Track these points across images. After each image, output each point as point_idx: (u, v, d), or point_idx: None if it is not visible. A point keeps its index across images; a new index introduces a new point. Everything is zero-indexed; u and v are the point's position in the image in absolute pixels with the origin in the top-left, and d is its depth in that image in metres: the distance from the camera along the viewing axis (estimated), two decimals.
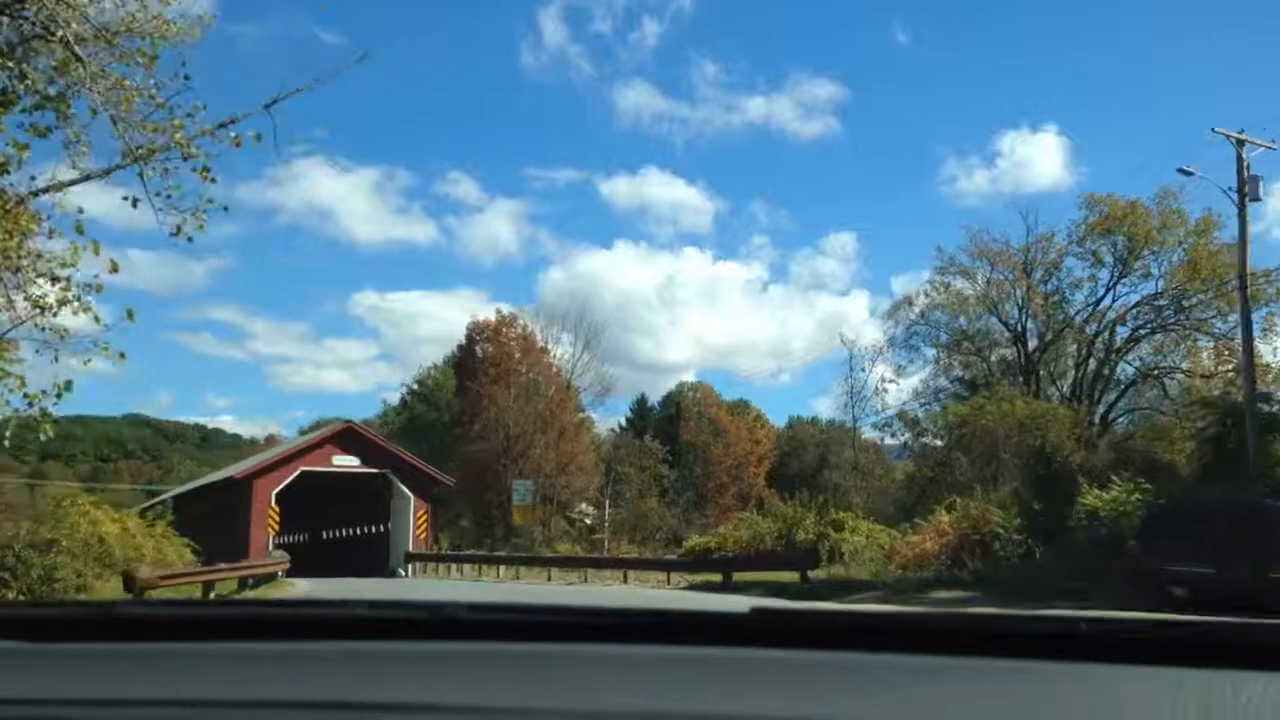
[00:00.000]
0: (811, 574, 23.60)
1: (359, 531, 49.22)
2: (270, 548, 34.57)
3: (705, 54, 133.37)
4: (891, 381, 44.10)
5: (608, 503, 54.57)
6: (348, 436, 41.95)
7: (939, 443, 35.23)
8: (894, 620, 1.31)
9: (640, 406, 70.59)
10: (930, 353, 42.39)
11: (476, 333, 56.83)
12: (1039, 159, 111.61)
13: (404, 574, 38.40)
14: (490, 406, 55.02)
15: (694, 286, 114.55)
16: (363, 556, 44.71)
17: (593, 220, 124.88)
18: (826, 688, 1.09)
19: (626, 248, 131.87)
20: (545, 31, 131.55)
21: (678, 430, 64.10)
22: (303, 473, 40.10)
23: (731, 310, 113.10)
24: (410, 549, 40.17)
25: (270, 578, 26.09)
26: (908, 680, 1.12)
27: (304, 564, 45.81)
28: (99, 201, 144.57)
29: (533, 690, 1.08)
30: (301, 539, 56.97)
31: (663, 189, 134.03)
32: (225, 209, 14.48)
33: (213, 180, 13.53)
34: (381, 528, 45.09)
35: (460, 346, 57.54)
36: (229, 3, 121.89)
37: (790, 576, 24.07)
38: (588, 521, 57.93)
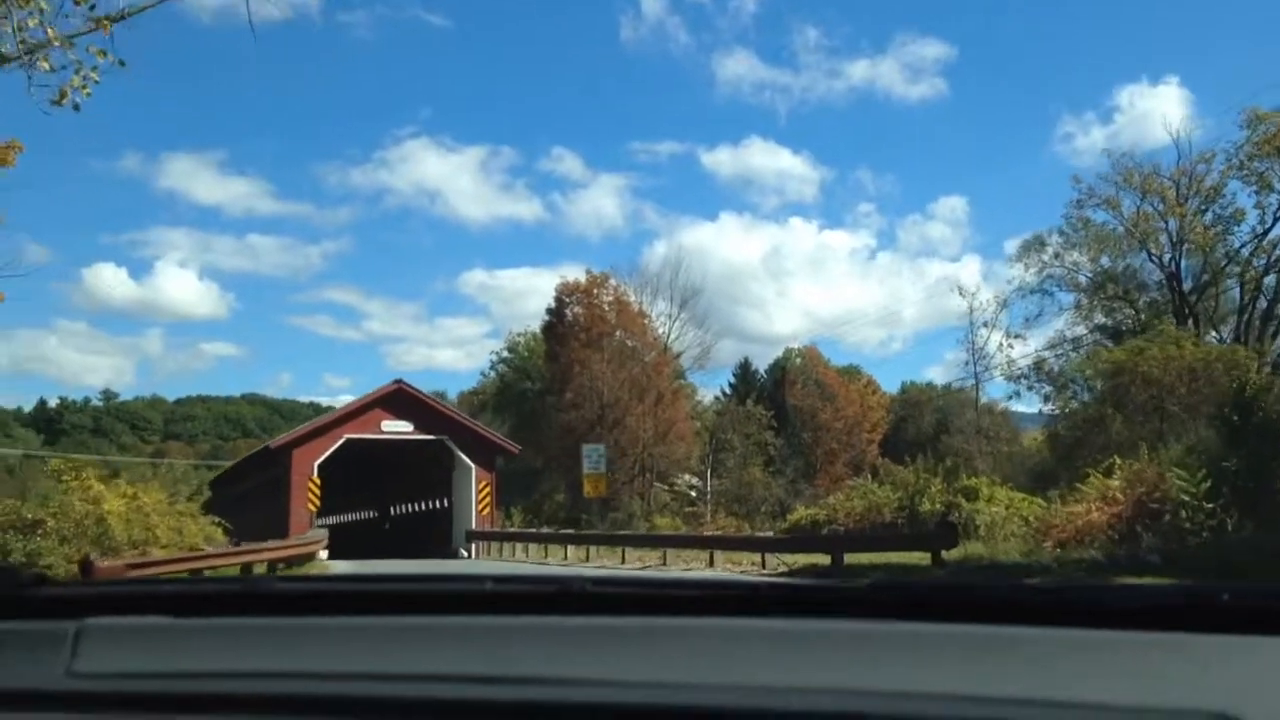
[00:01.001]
0: (946, 554, 18.70)
1: (418, 507, 45.39)
2: (312, 525, 30.95)
3: (806, 19, 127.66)
4: (1017, 337, 38.79)
5: (709, 473, 50.23)
6: (398, 399, 36.64)
7: (1084, 397, 29.80)
8: (1035, 593, 1.29)
9: (744, 372, 65.88)
10: (1066, 298, 36.86)
11: (566, 294, 52.83)
12: (1160, 113, 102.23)
13: (465, 554, 33.97)
14: (582, 372, 51.13)
15: (800, 257, 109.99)
16: (423, 535, 41.07)
17: (696, 192, 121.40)
18: (947, 662, 1.05)
19: (731, 219, 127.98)
20: (644, 4, 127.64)
21: (784, 397, 59.30)
22: (348, 441, 35.42)
23: (839, 280, 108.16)
24: (473, 526, 35.48)
25: (304, 560, 22.60)
26: (1050, 654, 1.07)
27: (358, 545, 40.45)
28: (218, 191, 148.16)
29: (660, 663, 1.07)
30: (366, 516, 52.82)
31: (766, 158, 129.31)
32: (122, 64, 11.15)
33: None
34: (443, 502, 40.62)
35: (550, 310, 53.62)
36: None
37: (917, 557, 19.36)
38: (691, 493, 53.79)
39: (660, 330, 55.25)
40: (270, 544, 22.33)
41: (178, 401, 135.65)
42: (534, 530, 34.16)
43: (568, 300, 52.95)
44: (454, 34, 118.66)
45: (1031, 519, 23.02)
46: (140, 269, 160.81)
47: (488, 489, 36.69)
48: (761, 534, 25.60)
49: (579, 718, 1.02)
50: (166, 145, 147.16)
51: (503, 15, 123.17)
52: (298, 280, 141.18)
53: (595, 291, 52.64)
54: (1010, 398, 36.60)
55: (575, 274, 54.82)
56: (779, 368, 63.81)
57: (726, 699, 1.00)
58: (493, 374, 60.44)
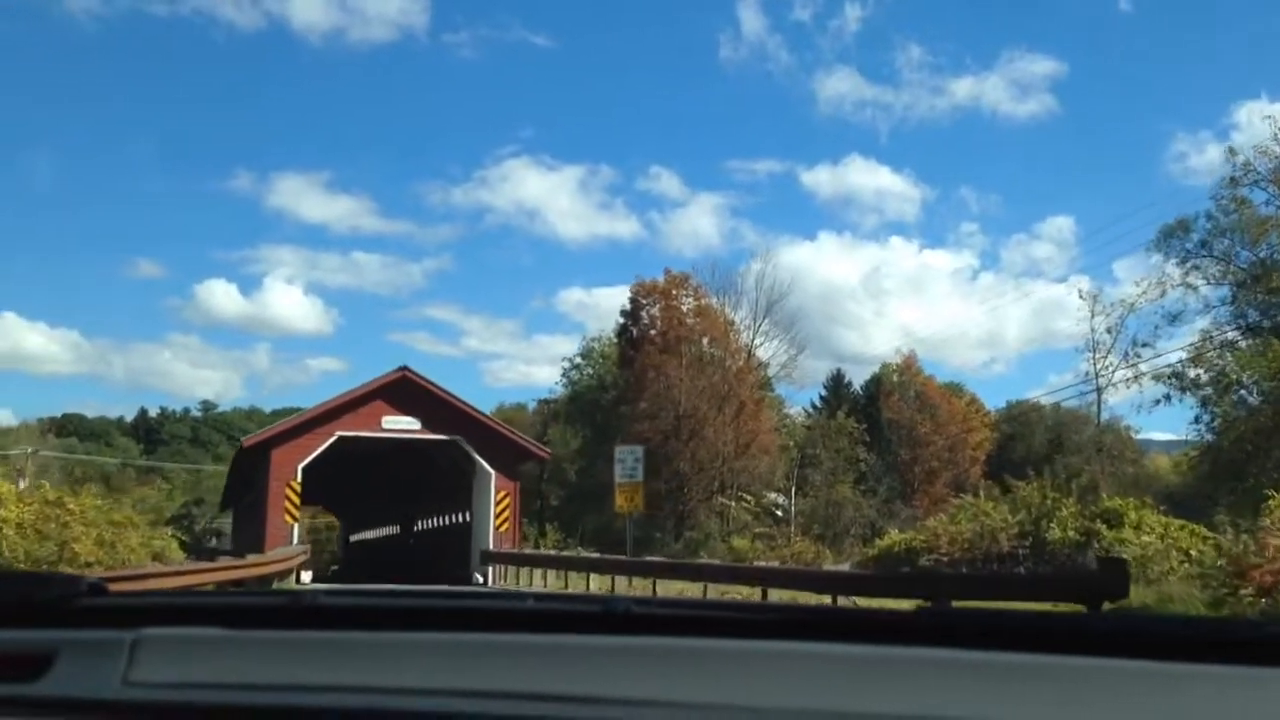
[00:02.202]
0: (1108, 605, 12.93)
1: (442, 521, 39.56)
2: (294, 539, 26.33)
3: (910, 36, 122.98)
4: (1145, 345, 32.81)
5: (794, 489, 45.00)
6: (402, 390, 29.79)
7: (1253, 401, 23.90)
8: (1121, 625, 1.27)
9: (836, 384, 60.39)
10: (1216, 293, 30.87)
11: (643, 296, 48.24)
12: None
13: (480, 580, 27.52)
14: (658, 379, 46.47)
15: (900, 276, 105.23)
16: (447, 554, 35.38)
17: (795, 211, 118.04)
18: (1018, 690, 1.04)
19: (830, 238, 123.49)
20: (744, 23, 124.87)
21: (879, 411, 53.73)
22: (340, 439, 29.13)
23: (940, 300, 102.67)
24: (490, 546, 28.65)
25: (267, 581, 18.31)
26: (1122, 686, 1.05)
27: (379, 565, 37.39)
28: (324, 209, 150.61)
29: (702, 685, 1.06)
30: (391, 531, 48.41)
31: (867, 177, 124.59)
32: None
33: None
34: (463, 516, 34.24)
35: (624, 312, 49.07)
36: (442, 14, 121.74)
37: (1051, 607, 13.85)
38: (776, 511, 48.64)
39: (744, 336, 50.28)
40: (216, 563, 18.03)
41: (274, 413, 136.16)
42: (550, 554, 25.88)
43: (644, 302, 48.42)
44: (556, 54, 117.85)
45: (1194, 552, 17.59)
46: (249, 285, 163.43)
47: (507, 501, 30.02)
48: (837, 567, 19.26)
49: None
50: (276, 165, 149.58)
51: (604, 35, 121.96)
52: (399, 297, 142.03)
53: (674, 293, 48.01)
54: (1157, 403, 30.30)
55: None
56: (874, 381, 58.21)
57: None
58: (565, 382, 56.05)
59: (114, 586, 1.53)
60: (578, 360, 56.22)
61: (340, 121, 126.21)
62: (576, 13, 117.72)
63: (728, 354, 48.11)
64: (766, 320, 50.06)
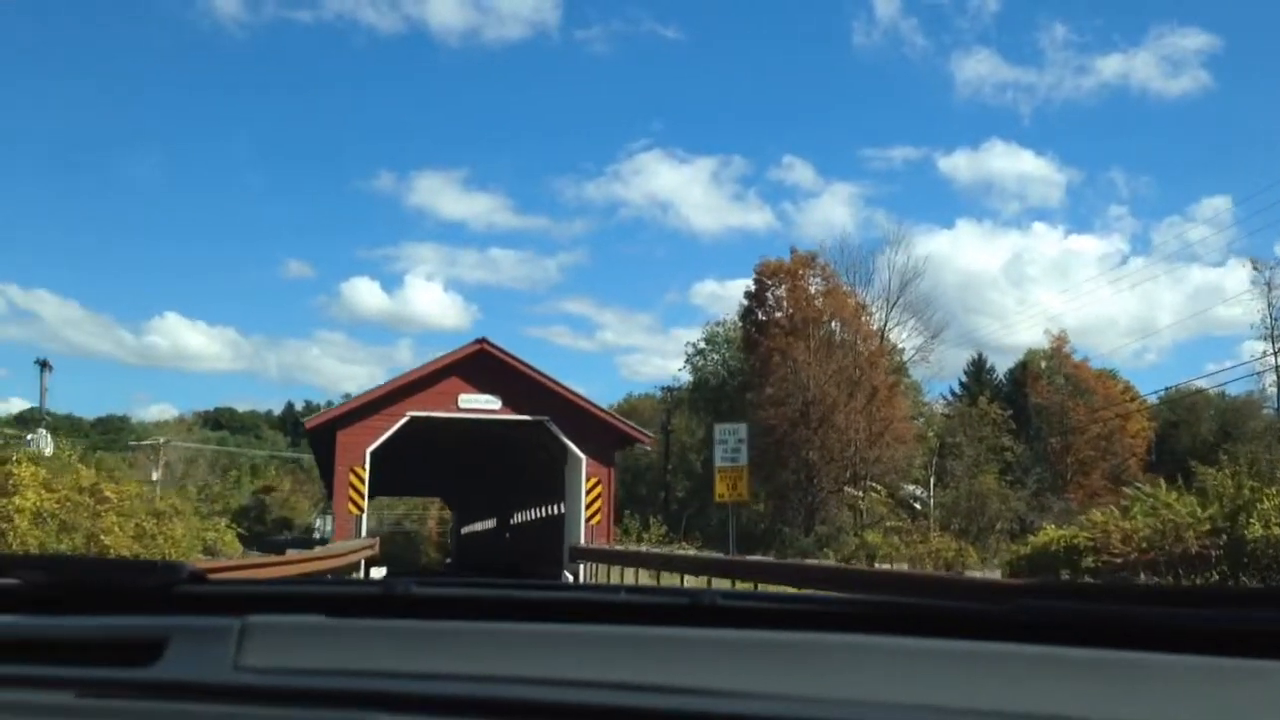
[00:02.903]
0: None
1: (538, 514, 36.50)
2: (363, 531, 23.68)
3: (1054, 15, 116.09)
4: None
5: (932, 480, 41.48)
6: (480, 365, 26.07)
7: None
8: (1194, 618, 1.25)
9: (977, 370, 56.37)
10: None
11: (767, 276, 45.35)
12: None
13: (570, 580, 24.10)
14: (784, 363, 43.55)
15: (1044, 263, 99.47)
16: (533, 551, 32.98)
17: (932, 199, 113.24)
18: (1098, 688, 1.04)
19: (969, 226, 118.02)
20: (877, 7, 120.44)
21: (1026, 397, 49.55)
22: (412, 421, 25.84)
23: (1086, 287, 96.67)
24: (581, 541, 25.14)
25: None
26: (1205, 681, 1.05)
27: (478, 560, 35.79)
28: (462, 207, 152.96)
29: (788, 677, 1.08)
30: (488, 527, 46.22)
31: (1008, 161, 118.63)
32: None
33: None
34: (555, 508, 31.16)
35: (748, 293, 46.27)
36: (574, 10, 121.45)
37: None
38: (914, 504, 45.19)
39: (875, 320, 46.89)
40: (256, 559, 15.89)
41: None
42: (639, 550, 22.07)
43: (769, 282, 45.50)
44: (686, 46, 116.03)
45: None
46: (392, 282, 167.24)
47: (599, 490, 26.22)
48: (985, 574, 15.67)
49: None
50: (416, 164, 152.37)
51: (735, 25, 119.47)
52: (535, 292, 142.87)
53: (801, 273, 44.97)
54: None
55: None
56: (1020, 366, 53.93)
57: (851, 714, 1.00)
58: (689, 369, 53.49)
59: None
60: (701, 345, 53.67)
61: (476, 120, 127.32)
62: (707, 3, 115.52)
63: (858, 337, 44.85)
64: (901, 301, 46.63)
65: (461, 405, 26.32)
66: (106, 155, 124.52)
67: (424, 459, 36.29)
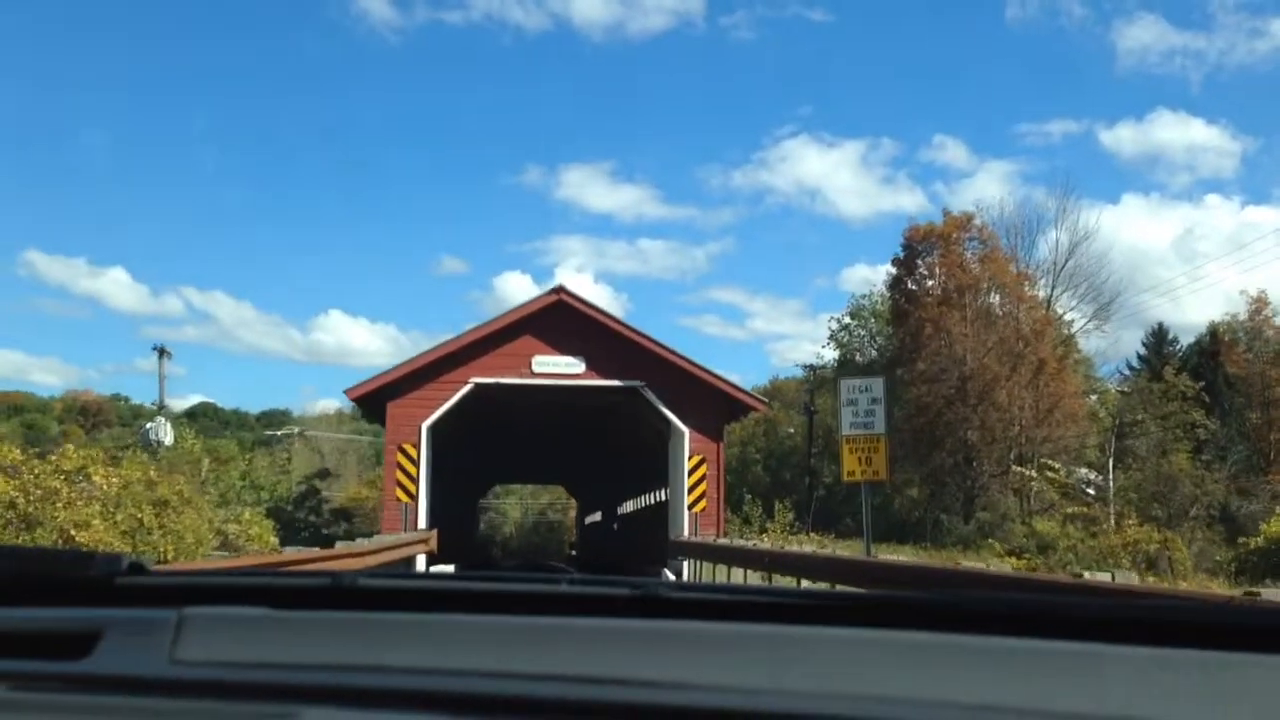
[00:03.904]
0: None
1: (646, 501, 31.55)
2: (421, 521, 19.73)
3: None
4: None
5: (1110, 463, 36.50)
6: (559, 319, 21.35)
7: None
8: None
9: (1157, 341, 50.37)
10: None
11: (917, 241, 41.04)
12: None
13: (668, 575, 19.28)
14: (937, 336, 39.28)
15: (1218, 238, 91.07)
16: (640, 545, 28.31)
17: (1094, 174, 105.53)
18: (1037, 675, 1.04)
19: (1135, 200, 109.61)
20: None
21: (1217, 369, 43.57)
22: (477, 388, 21.34)
23: (1267, 260, 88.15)
24: (683, 533, 20.63)
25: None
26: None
27: (587, 554, 31.76)
28: (610, 199, 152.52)
29: (735, 668, 1.06)
30: (598, 518, 43.18)
31: (1176, 132, 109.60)
32: None
33: None
34: (660, 494, 25.99)
35: (896, 260, 42.02)
36: None
37: None
38: (1087, 490, 40.23)
39: (1041, 284, 41.99)
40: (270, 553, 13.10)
41: None
42: (744, 546, 15.90)
43: (919, 248, 41.15)
44: (832, 27, 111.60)
45: None
46: (543, 275, 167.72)
47: (703, 470, 21.13)
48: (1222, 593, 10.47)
49: (660, 718, 1.01)
50: (563, 158, 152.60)
51: (881, 4, 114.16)
52: (685, 281, 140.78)
53: (955, 237, 40.49)
54: None
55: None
56: (1208, 335, 47.76)
57: (799, 705, 0.99)
58: (833, 345, 49.43)
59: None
60: (846, 320, 49.58)
61: (622, 112, 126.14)
62: None
63: (1020, 306, 40.11)
64: (1070, 265, 41.58)
65: (536, 369, 21.44)
66: (273, 161, 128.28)
67: (502, 436, 31.43)
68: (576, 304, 21.81)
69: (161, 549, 12.98)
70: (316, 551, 10.37)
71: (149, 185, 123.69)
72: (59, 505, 12.60)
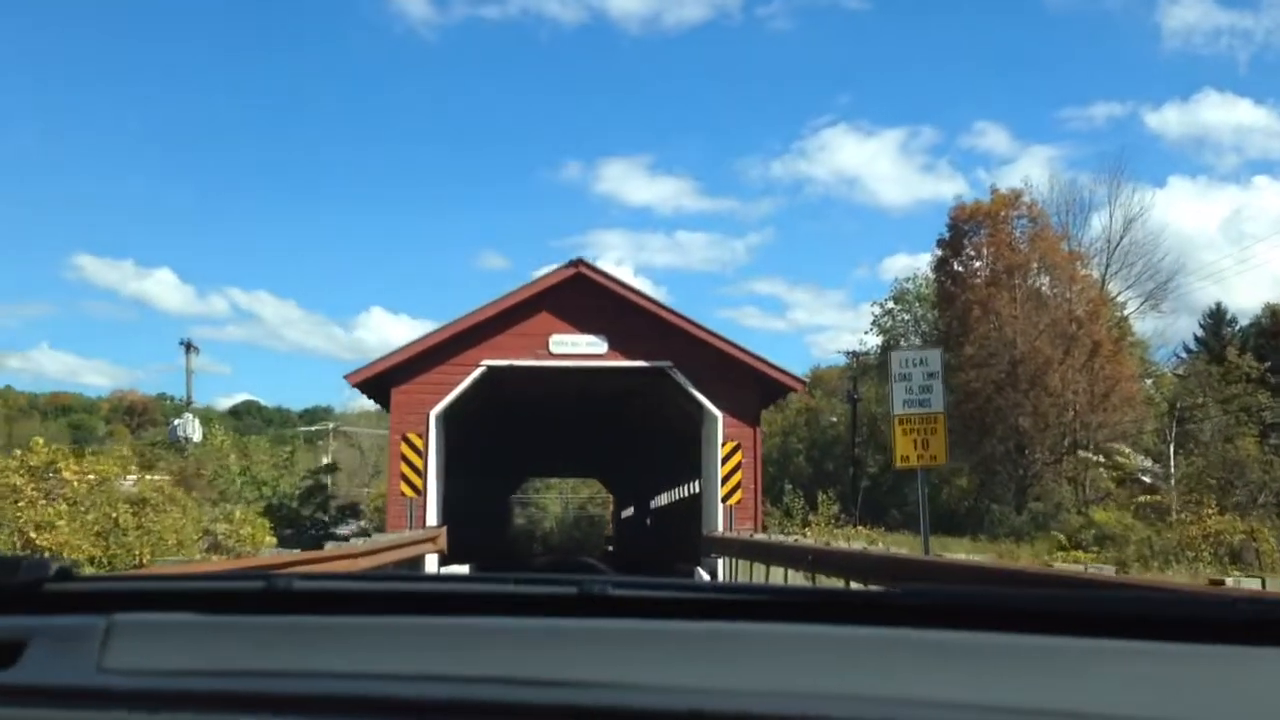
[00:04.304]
0: None
1: (670, 496, 30.09)
2: (430, 518, 18.02)
3: None
4: None
5: (1171, 447, 34.66)
6: (578, 294, 19.34)
7: None
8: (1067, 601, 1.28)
9: (1215, 322, 48.26)
10: None
11: (963, 220, 39.33)
12: None
13: (702, 575, 17.63)
14: (985, 319, 37.60)
15: (1268, 220, 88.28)
16: (674, 541, 26.36)
17: (1139, 157, 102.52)
18: (980, 670, 1.05)
19: (1182, 183, 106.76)
20: None
21: (1278, 351, 41.40)
22: (488, 371, 19.33)
23: None
24: (718, 526, 18.60)
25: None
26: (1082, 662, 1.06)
27: (620, 554, 30.70)
28: (648, 192, 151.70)
29: (677, 667, 1.05)
30: (631, 512, 41.22)
31: (1223, 113, 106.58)
32: None
33: None
34: (693, 486, 24.09)
35: (942, 241, 40.30)
36: None
37: None
38: (1143, 477, 38.36)
39: (1094, 264, 40.12)
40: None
41: None
42: (785, 542, 13.50)
43: (966, 228, 39.42)
44: (870, 15, 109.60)
45: None
46: None
47: (738, 457, 18.99)
48: None
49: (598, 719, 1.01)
50: (601, 152, 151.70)
51: None
52: (724, 273, 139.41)
53: (1003, 215, 38.70)
54: None
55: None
56: (1269, 313, 45.56)
57: (738, 704, 0.97)
58: (875, 330, 47.73)
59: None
60: (889, 305, 47.85)
61: (660, 105, 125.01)
62: None
63: (1072, 287, 38.28)
64: (1124, 243, 39.67)
65: (554, 350, 19.28)
66: (312, 160, 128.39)
67: (525, 426, 29.22)
68: (597, 277, 19.66)
69: (138, 551, 11.90)
70: (298, 554, 9.20)
71: (192, 185, 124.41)
72: (21, 504, 11.61)
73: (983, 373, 37.67)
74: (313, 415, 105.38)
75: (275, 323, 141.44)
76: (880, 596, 1.27)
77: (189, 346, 36.40)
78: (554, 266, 19.58)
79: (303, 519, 23.72)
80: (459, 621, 1.18)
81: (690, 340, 19.29)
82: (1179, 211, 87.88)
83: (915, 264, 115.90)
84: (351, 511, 25.79)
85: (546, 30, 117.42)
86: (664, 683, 1.01)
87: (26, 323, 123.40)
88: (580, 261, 19.54)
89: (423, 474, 18.43)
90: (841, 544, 13.14)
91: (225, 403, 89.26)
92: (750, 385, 19.49)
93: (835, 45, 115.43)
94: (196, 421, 32.04)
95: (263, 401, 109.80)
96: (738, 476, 19.01)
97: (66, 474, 12.47)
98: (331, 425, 51.24)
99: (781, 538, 14.50)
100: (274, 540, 15.60)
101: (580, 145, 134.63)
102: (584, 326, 19.37)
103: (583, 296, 19.29)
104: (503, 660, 1.07)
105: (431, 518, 18.11)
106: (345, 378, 19.04)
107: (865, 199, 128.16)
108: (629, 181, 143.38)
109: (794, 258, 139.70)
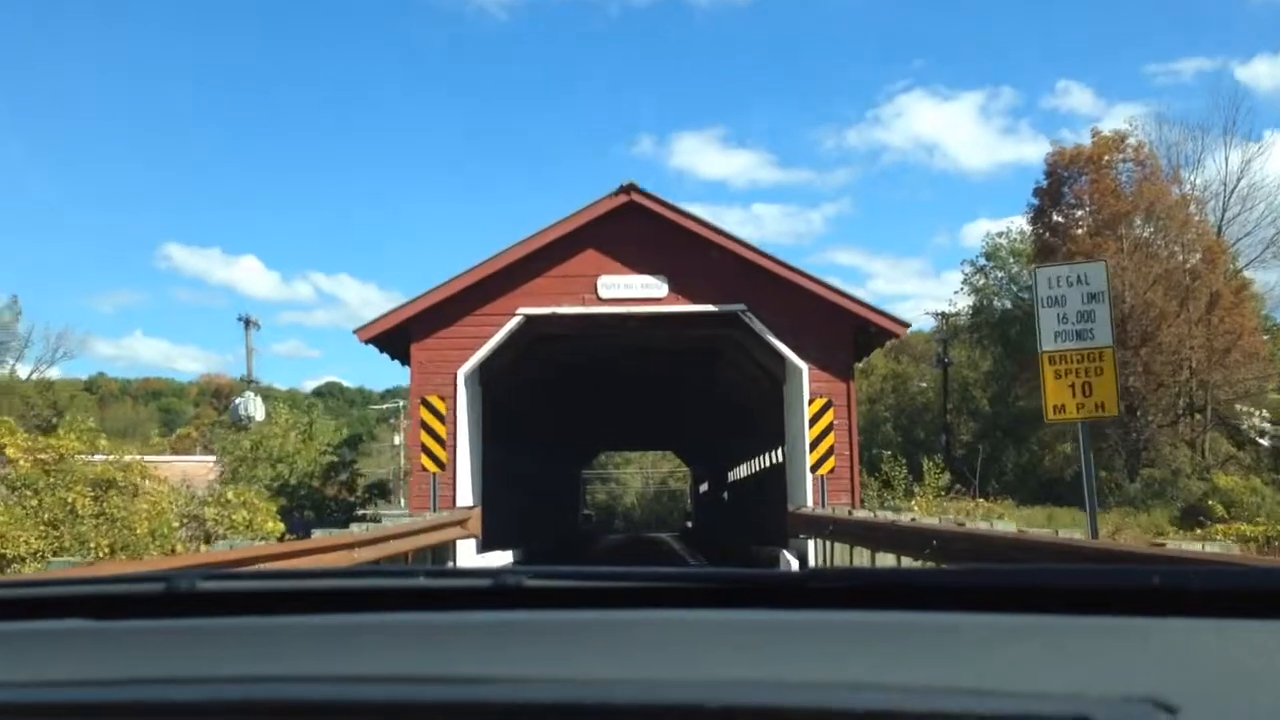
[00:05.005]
0: None
1: (750, 468, 26.62)
2: (463, 496, 15.31)
3: None
4: None
5: None
6: (631, 225, 16.20)
7: None
8: (969, 579, 1.28)
9: None
10: None
11: (1062, 167, 36.07)
12: None
13: (792, 564, 14.36)
14: None
15: None
16: (755, 520, 23.32)
17: (1230, 112, 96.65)
18: (887, 651, 1.04)
19: (1278, 138, 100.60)
20: None
21: None
22: (526, 322, 16.40)
23: None
24: (807, 500, 15.53)
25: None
26: (984, 641, 1.05)
27: (701, 532, 27.95)
28: (722, 165, 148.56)
29: (594, 658, 1.03)
30: (706, 487, 38.51)
31: None
32: None
33: None
34: (775, 455, 20.90)
35: (1038, 190, 37.09)
36: None
37: None
38: (1260, 440, 35.01)
39: (1209, 209, 36.55)
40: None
41: None
42: (899, 522, 9.90)
43: (1065, 175, 36.15)
44: None
45: None
46: None
47: (828, 417, 15.77)
48: None
49: (508, 716, 0.97)
50: (674, 127, 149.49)
51: None
52: (801, 245, 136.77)
53: (1106, 159, 35.33)
54: None
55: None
56: None
57: (659, 694, 0.95)
58: (967, 290, 44.54)
59: None
60: (981, 262, 44.60)
61: (732, 78, 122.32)
62: None
63: (1185, 233, 34.86)
64: (1241, 185, 36.05)
65: (604, 294, 16.05)
66: (387, 143, 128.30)
67: (579, 389, 25.92)
68: (653, 205, 16.03)
69: (94, 542, 10.01)
70: (279, 547, 7.22)
71: (274, 173, 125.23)
72: None
73: None
74: (396, 394, 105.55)
75: (356, 305, 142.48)
76: (788, 579, 1.22)
77: (248, 322, 35.11)
78: (601, 198, 16.16)
79: (327, 500, 21.72)
80: (364, 619, 1.14)
81: (768, 278, 15.93)
82: (1274, 165, 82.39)
83: (997, 229, 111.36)
84: (380, 491, 23.21)
85: (616, 4, 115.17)
86: (571, 675, 0.97)
87: (121, 311, 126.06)
88: (632, 187, 16.02)
89: (447, 445, 15.68)
90: (979, 524, 10.29)
91: (310, 385, 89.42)
92: (842, 330, 16.15)
93: (910, 8, 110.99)
94: (259, 400, 30.64)
95: (345, 383, 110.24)
96: (829, 440, 15.70)
97: (10, 451, 10.63)
98: (402, 403, 49.96)
99: (891, 514, 11.80)
100: (277, 526, 13.64)
101: (652, 121, 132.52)
102: (639, 265, 16.13)
103: (637, 229, 16.06)
104: (412, 657, 1.03)
105: (465, 496, 15.59)
106: (355, 332, 16.10)
107: (944, 165, 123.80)
108: (702, 155, 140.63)
109: (872, 227, 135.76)
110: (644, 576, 1.26)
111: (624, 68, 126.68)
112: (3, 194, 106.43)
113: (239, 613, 1.18)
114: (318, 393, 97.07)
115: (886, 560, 9.31)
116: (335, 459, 23.29)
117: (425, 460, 15.65)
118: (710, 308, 16.23)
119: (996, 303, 43.47)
